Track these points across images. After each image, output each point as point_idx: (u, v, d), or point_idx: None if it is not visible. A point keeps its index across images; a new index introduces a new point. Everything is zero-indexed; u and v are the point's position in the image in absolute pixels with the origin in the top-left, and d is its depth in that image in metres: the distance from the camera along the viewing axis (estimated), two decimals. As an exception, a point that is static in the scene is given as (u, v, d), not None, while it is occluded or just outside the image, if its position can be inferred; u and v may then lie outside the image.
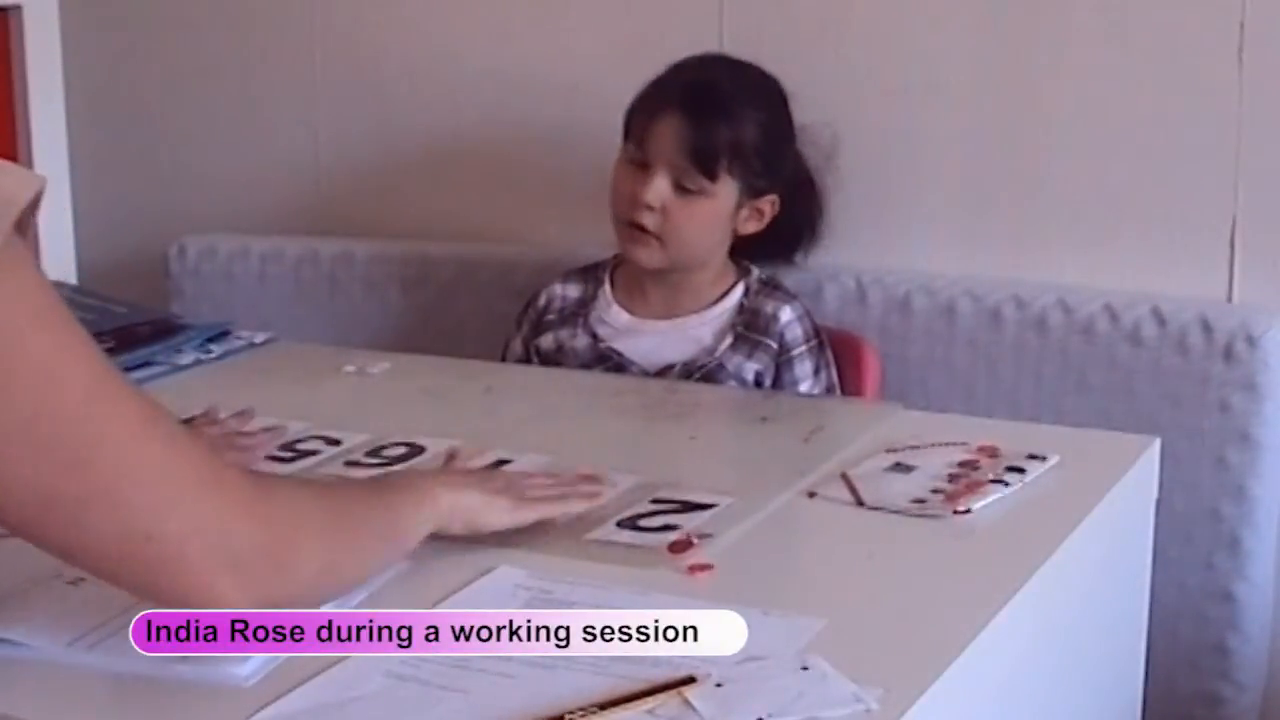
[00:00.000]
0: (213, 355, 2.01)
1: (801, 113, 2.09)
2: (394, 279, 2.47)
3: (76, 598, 1.21)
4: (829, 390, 2.02)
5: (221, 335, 2.07)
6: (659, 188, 1.94)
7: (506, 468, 1.54)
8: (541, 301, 2.11)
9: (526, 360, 2.09)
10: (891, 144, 2.27)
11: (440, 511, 1.27)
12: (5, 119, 2.53)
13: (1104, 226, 2.17)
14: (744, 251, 2.08)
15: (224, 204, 2.71)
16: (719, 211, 1.98)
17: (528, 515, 1.33)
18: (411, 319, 2.46)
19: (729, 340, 2.00)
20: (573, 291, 2.10)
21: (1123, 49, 2.12)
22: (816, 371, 2.01)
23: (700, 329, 2.03)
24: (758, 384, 1.99)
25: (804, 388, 1.99)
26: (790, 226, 2.10)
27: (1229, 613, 2.07)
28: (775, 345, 2.00)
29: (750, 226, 2.03)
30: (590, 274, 2.12)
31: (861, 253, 2.27)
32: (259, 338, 2.08)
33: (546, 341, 2.08)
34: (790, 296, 2.05)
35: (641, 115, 1.99)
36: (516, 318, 2.15)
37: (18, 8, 2.52)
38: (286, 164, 2.68)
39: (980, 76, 2.21)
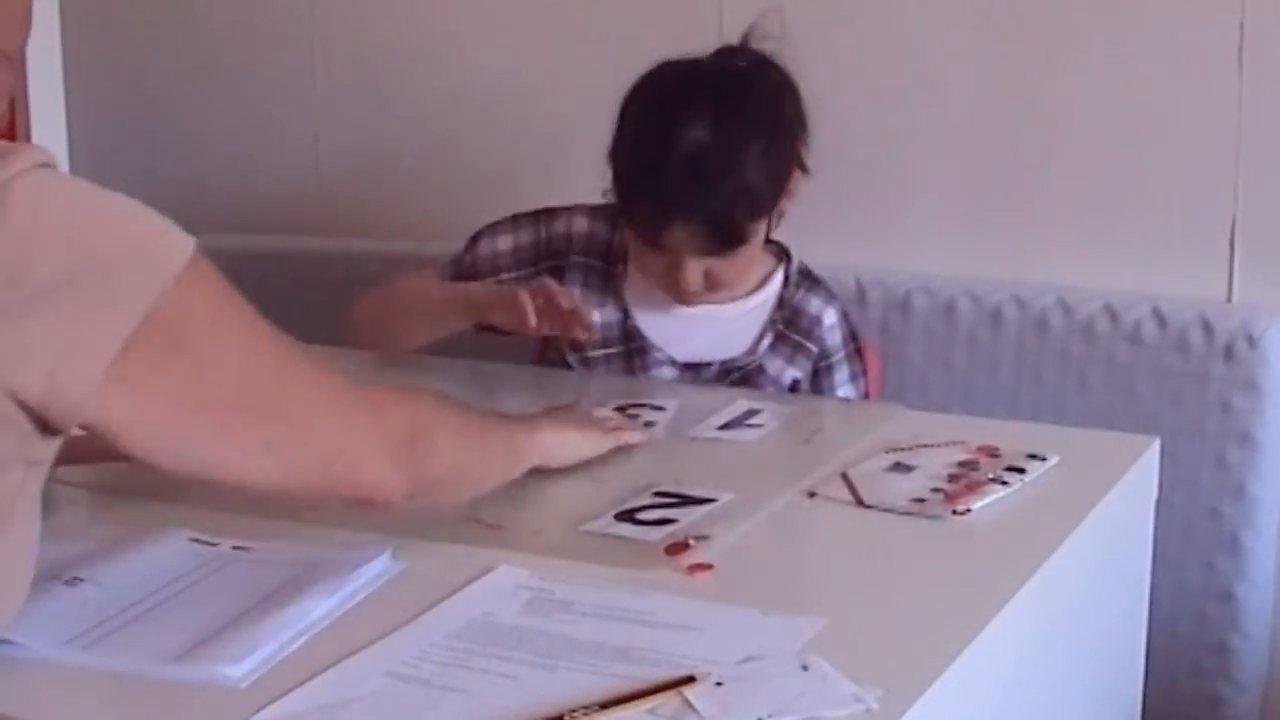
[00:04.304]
0: (213, 355, 2.00)
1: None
2: (394, 279, 2.46)
3: (75, 598, 1.21)
4: (864, 397, 1.95)
5: (221, 335, 2.05)
6: (695, 273, 1.81)
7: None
8: (560, 228, 1.94)
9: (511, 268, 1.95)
10: (891, 144, 2.26)
11: (547, 443, 1.49)
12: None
13: (1104, 226, 2.17)
14: None
15: (224, 204, 2.71)
16: (758, 244, 1.85)
17: (611, 442, 1.57)
18: (411, 319, 2.45)
19: (769, 340, 1.92)
20: (601, 230, 1.92)
21: (1123, 49, 2.12)
22: (854, 377, 1.95)
23: (737, 320, 1.92)
24: (793, 390, 1.91)
25: (841, 393, 1.93)
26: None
27: (1229, 613, 2.07)
28: (816, 350, 1.92)
29: (788, 209, 1.88)
30: (620, 220, 1.90)
31: (861, 253, 2.26)
32: (259, 338, 2.07)
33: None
34: (831, 296, 1.96)
35: (643, 219, 1.80)
36: (522, 216, 1.97)
37: (18, 7, 2.52)
38: (286, 164, 2.68)
39: (980, 76, 2.20)
